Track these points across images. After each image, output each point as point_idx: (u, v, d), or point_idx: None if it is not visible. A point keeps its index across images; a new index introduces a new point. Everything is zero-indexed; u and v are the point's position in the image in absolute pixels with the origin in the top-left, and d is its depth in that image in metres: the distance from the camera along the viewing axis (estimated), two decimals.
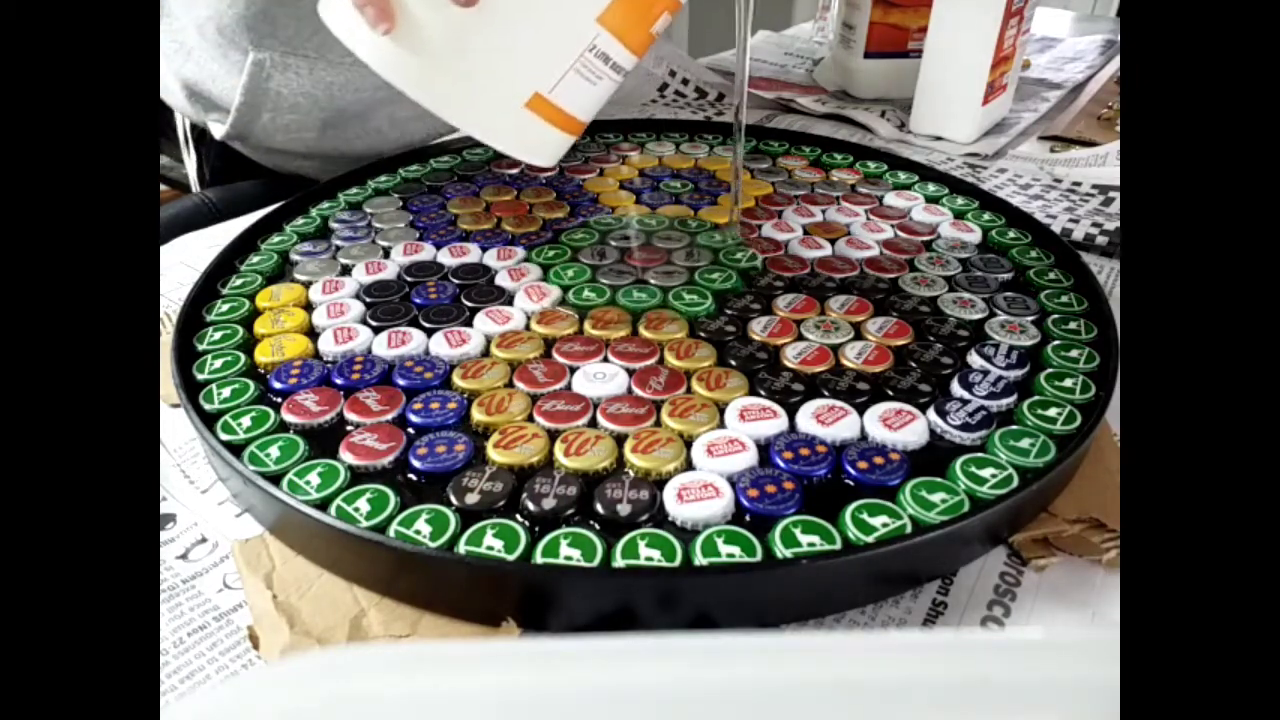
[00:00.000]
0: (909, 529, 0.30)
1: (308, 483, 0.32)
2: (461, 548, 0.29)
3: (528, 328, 0.42)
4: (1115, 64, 0.92)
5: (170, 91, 0.67)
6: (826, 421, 0.35)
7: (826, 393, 0.37)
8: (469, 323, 0.42)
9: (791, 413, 0.36)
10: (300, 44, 0.61)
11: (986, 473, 0.32)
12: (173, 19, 0.63)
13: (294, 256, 0.49)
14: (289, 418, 0.35)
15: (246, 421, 0.35)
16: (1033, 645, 0.17)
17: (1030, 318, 0.43)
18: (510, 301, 0.44)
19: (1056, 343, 0.41)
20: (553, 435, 0.34)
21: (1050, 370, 0.39)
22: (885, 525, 0.30)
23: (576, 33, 0.38)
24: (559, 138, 0.41)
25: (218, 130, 0.66)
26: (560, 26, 0.38)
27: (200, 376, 0.38)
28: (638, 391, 0.37)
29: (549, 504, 0.31)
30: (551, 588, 0.28)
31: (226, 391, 0.37)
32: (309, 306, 0.44)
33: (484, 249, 0.50)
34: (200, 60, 0.63)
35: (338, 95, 0.63)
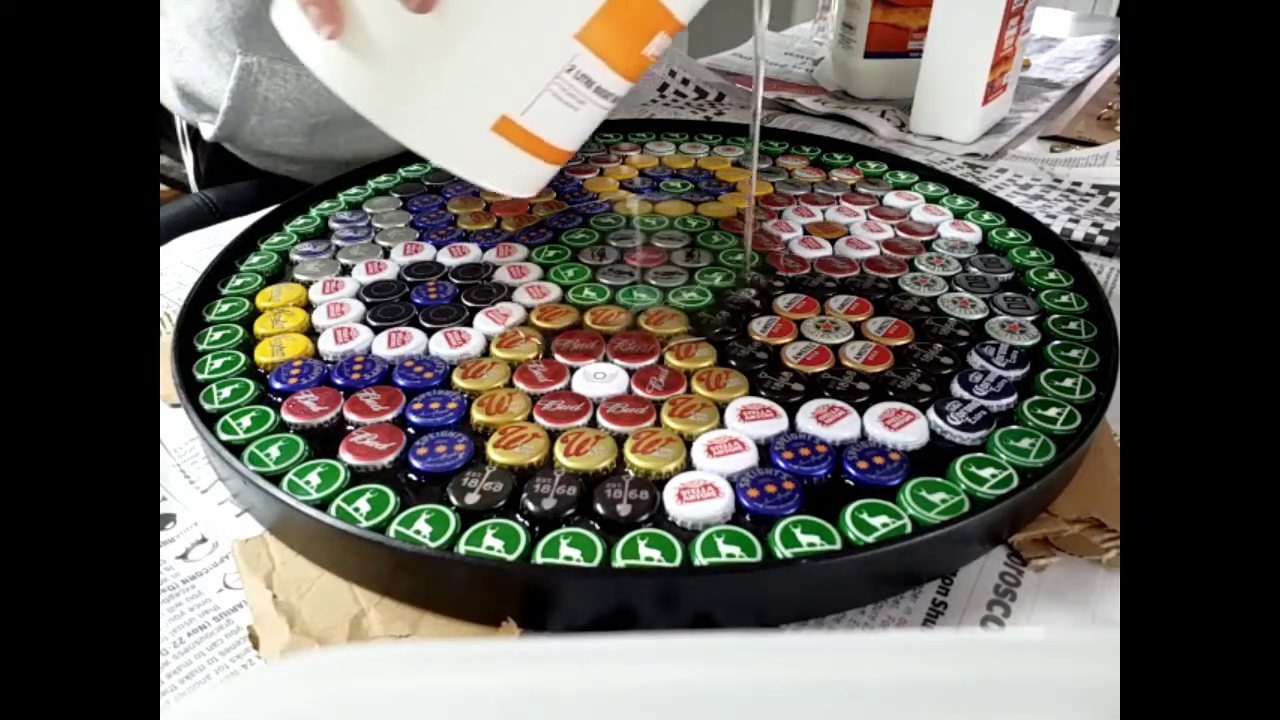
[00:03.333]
0: (909, 529, 0.30)
1: (308, 483, 0.32)
2: (461, 548, 0.29)
3: (527, 322, 0.42)
4: (1115, 64, 0.92)
5: (164, 91, 0.67)
6: (826, 421, 0.35)
7: (826, 393, 0.37)
8: (469, 323, 0.42)
9: (791, 413, 0.36)
10: (288, 49, 0.61)
11: (986, 473, 0.32)
12: (166, 17, 0.63)
13: (294, 256, 0.49)
14: (289, 418, 0.35)
15: (246, 421, 0.35)
16: (1033, 645, 0.17)
17: (1030, 318, 0.43)
18: (510, 298, 0.44)
19: (1056, 343, 0.41)
20: (553, 435, 0.34)
21: (1050, 370, 0.39)
22: (885, 525, 0.30)
23: (551, 50, 0.34)
24: (537, 167, 0.37)
25: (207, 131, 0.66)
26: (532, 41, 0.34)
27: (200, 376, 0.38)
28: (638, 391, 0.37)
29: (549, 504, 0.31)
30: (551, 588, 0.28)
31: (226, 391, 0.37)
32: (309, 306, 0.44)
33: (484, 249, 0.50)
34: (190, 60, 0.63)
35: (325, 102, 0.63)
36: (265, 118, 0.63)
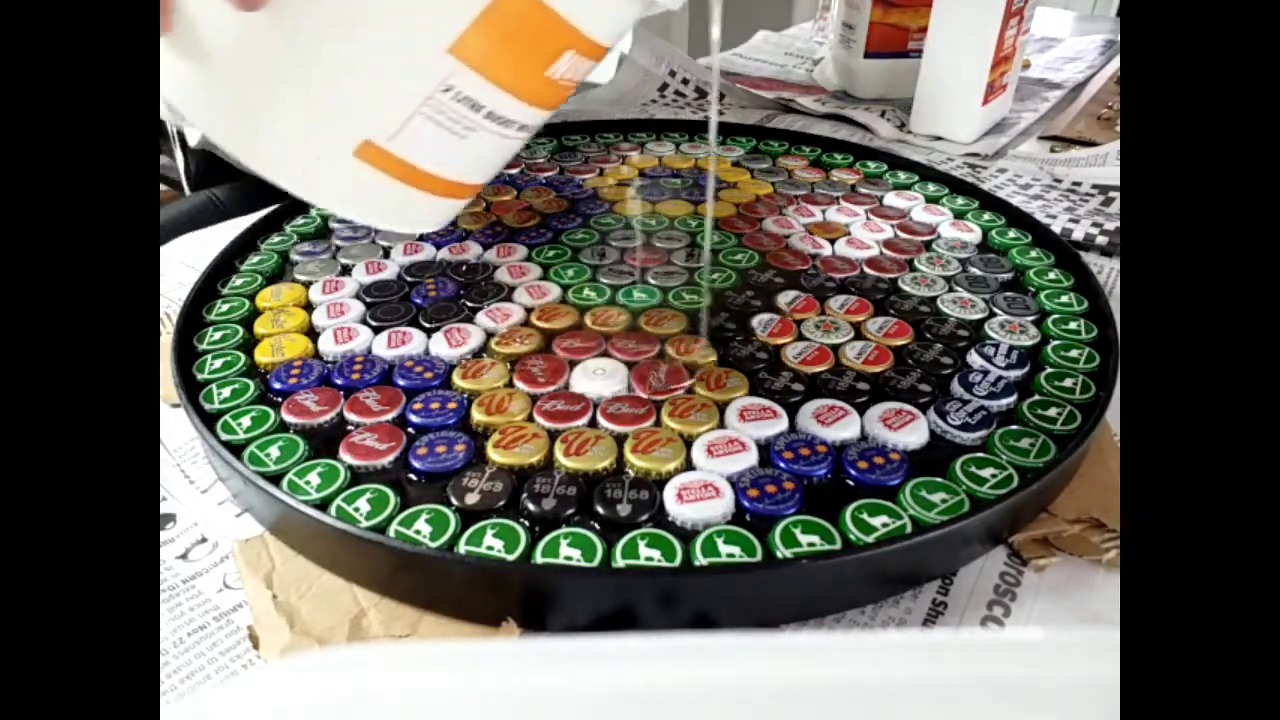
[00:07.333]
0: (909, 529, 0.30)
1: (308, 483, 0.32)
2: (461, 548, 0.29)
3: (527, 323, 0.42)
4: (1115, 64, 0.92)
5: None
6: (826, 421, 0.35)
7: (826, 393, 0.37)
8: (469, 322, 0.42)
9: (792, 413, 0.36)
10: None
11: (986, 473, 0.32)
12: None
13: (294, 256, 0.49)
14: (289, 418, 0.35)
15: (246, 421, 0.35)
16: (1033, 645, 0.17)
17: (1030, 318, 0.43)
18: (510, 298, 0.44)
19: (1056, 343, 0.41)
20: (553, 435, 0.34)
21: (1050, 370, 0.39)
22: (885, 525, 0.30)
23: (419, 66, 0.28)
24: (423, 200, 0.32)
25: (194, 137, 0.68)
26: (394, 55, 0.28)
27: (200, 376, 0.38)
28: (638, 391, 0.37)
29: (549, 504, 0.31)
30: (551, 588, 0.28)
31: (226, 391, 0.37)
32: (309, 306, 0.44)
33: (484, 248, 0.50)
34: None
35: None
36: None
